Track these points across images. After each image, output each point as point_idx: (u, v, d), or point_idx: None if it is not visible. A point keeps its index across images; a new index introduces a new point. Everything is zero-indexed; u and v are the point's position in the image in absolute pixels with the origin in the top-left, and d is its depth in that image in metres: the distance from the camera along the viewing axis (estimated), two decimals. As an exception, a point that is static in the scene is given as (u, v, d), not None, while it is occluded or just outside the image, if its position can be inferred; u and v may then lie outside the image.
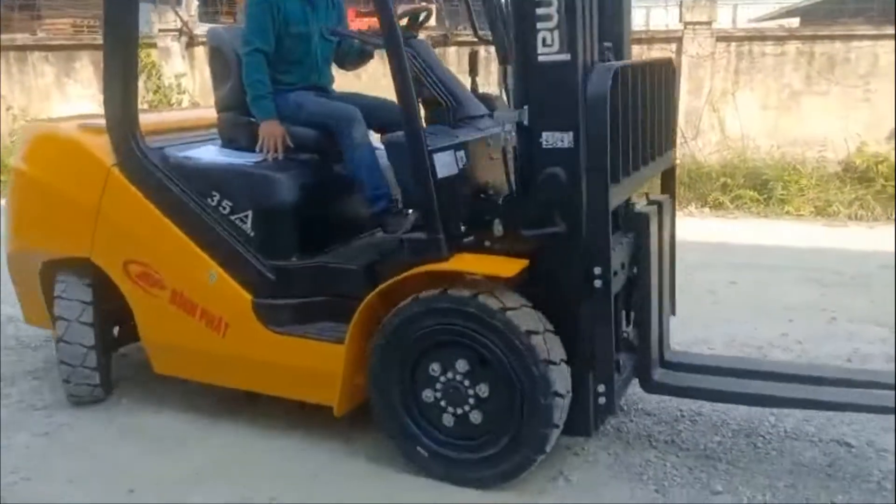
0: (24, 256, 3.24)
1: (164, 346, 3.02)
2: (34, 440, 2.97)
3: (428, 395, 2.57)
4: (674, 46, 7.57)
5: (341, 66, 3.36)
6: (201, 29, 9.06)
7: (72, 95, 9.21)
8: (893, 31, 6.67)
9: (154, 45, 8.76)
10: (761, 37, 7.56)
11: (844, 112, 7.09)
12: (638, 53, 8.27)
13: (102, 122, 3.09)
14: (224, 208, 2.85)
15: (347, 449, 2.83)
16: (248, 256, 2.83)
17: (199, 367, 3.00)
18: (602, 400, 2.47)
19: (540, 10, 2.36)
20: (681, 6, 7.50)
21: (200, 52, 8.99)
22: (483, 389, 2.50)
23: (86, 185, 3.00)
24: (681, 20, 7.48)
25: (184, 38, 8.97)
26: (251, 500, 2.52)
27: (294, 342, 2.77)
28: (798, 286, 4.55)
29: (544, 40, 2.38)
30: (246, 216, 2.81)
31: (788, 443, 2.80)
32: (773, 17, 13.82)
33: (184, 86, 8.80)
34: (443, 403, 2.57)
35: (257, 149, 2.93)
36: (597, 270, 2.35)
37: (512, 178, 2.56)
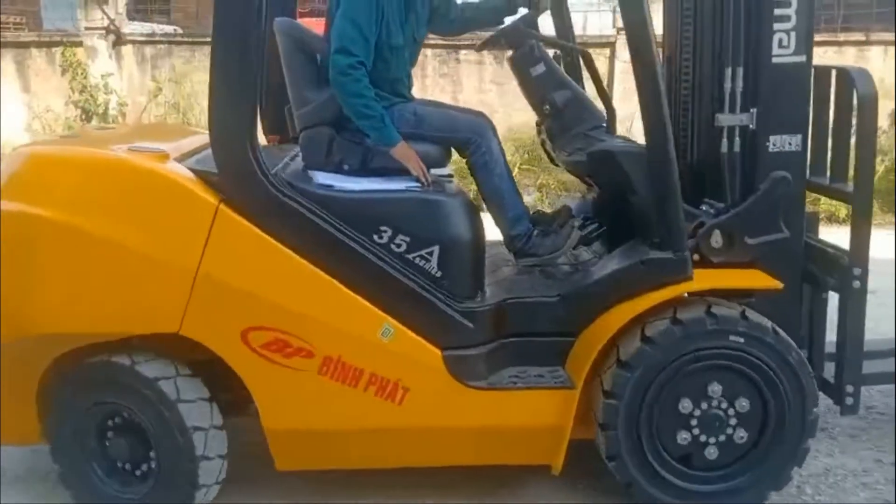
0: (27, 345, 2.43)
1: (301, 432, 2.50)
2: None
3: (684, 434, 2.49)
4: (607, 52, 8.02)
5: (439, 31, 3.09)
6: (129, 27, 8.94)
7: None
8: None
9: (80, 44, 8.87)
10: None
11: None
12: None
13: (147, 144, 2.52)
14: (399, 245, 2.46)
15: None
16: (434, 301, 2.48)
17: (356, 452, 2.57)
18: (850, 401, 2.53)
19: (778, 11, 2.37)
20: (614, 12, 7.87)
21: (128, 51, 9.09)
22: (744, 415, 2.48)
23: (175, 232, 2.38)
24: (614, 26, 7.85)
25: (111, 37, 8.94)
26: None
27: (503, 397, 2.52)
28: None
29: (780, 41, 2.42)
30: (430, 252, 2.42)
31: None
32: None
33: (111, 86, 8.82)
34: (702, 437, 2.50)
35: (415, 174, 2.60)
36: (856, 271, 2.42)
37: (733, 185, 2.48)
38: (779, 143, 2.53)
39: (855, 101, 2.50)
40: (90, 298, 2.36)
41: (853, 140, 2.62)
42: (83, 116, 8.59)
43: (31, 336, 2.38)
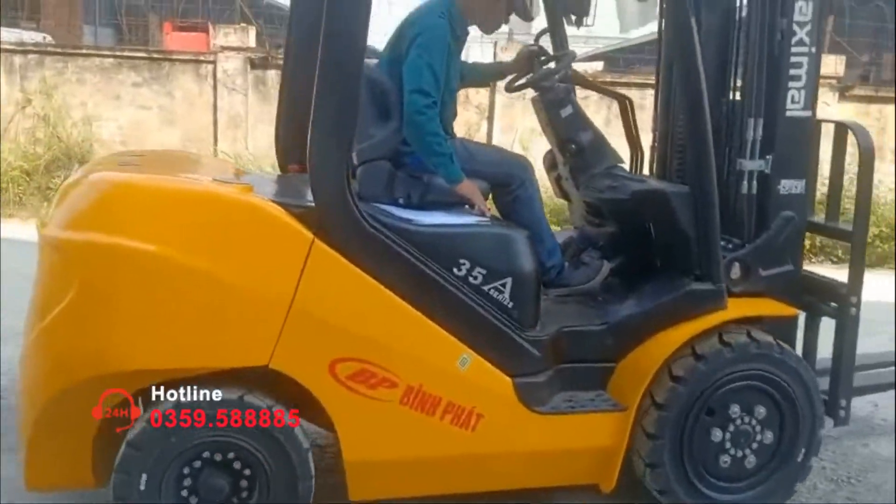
0: (94, 385, 2.46)
1: (380, 462, 2.71)
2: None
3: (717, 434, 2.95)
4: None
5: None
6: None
7: None
8: None
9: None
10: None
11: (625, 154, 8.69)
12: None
13: (220, 173, 2.79)
14: (475, 278, 2.75)
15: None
16: (507, 331, 2.80)
17: (428, 479, 2.81)
18: (842, 413, 3.09)
19: (793, 71, 2.90)
20: (495, 46, 8.22)
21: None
22: (767, 435, 2.98)
23: (271, 265, 2.53)
24: (494, 59, 8.20)
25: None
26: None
27: (564, 420, 2.86)
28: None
29: (792, 98, 2.96)
30: (504, 284, 2.71)
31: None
32: (578, 61, 16.06)
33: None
34: (731, 449, 2.95)
35: (478, 210, 2.95)
36: (853, 300, 3.01)
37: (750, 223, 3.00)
38: (788, 186, 3.06)
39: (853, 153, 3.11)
40: (178, 332, 2.45)
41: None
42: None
43: (106, 374, 2.42)
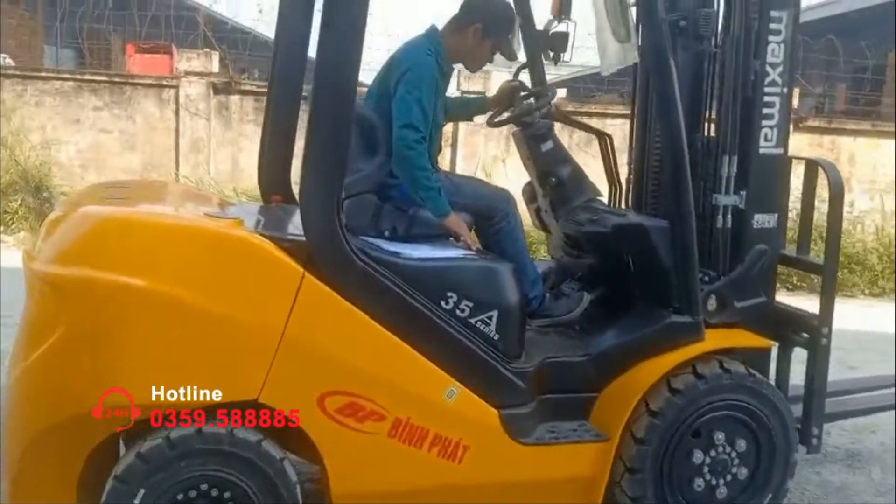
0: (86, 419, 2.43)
1: (367, 494, 2.74)
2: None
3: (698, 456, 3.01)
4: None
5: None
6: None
7: None
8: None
9: None
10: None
11: (602, 184, 8.77)
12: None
13: (214, 209, 2.82)
14: (462, 311, 2.80)
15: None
16: (493, 363, 2.85)
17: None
18: (815, 441, 3.19)
19: (766, 110, 3.03)
20: (458, 76, 8.28)
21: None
22: (743, 466, 3.05)
23: (262, 300, 2.55)
24: (458, 88, 8.27)
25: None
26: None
27: (548, 451, 2.93)
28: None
29: (766, 136, 3.08)
30: (490, 317, 2.76)
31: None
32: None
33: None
34: (708, 477, 3.00)
35: (464, 244, 3.00)
36: (824, 331, 3.11)
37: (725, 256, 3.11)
38: (761, 220, 3.18)
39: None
40: (171, 367, 2.45)
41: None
42: None
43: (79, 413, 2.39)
